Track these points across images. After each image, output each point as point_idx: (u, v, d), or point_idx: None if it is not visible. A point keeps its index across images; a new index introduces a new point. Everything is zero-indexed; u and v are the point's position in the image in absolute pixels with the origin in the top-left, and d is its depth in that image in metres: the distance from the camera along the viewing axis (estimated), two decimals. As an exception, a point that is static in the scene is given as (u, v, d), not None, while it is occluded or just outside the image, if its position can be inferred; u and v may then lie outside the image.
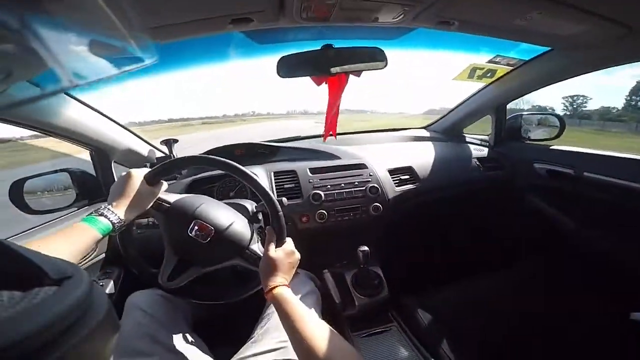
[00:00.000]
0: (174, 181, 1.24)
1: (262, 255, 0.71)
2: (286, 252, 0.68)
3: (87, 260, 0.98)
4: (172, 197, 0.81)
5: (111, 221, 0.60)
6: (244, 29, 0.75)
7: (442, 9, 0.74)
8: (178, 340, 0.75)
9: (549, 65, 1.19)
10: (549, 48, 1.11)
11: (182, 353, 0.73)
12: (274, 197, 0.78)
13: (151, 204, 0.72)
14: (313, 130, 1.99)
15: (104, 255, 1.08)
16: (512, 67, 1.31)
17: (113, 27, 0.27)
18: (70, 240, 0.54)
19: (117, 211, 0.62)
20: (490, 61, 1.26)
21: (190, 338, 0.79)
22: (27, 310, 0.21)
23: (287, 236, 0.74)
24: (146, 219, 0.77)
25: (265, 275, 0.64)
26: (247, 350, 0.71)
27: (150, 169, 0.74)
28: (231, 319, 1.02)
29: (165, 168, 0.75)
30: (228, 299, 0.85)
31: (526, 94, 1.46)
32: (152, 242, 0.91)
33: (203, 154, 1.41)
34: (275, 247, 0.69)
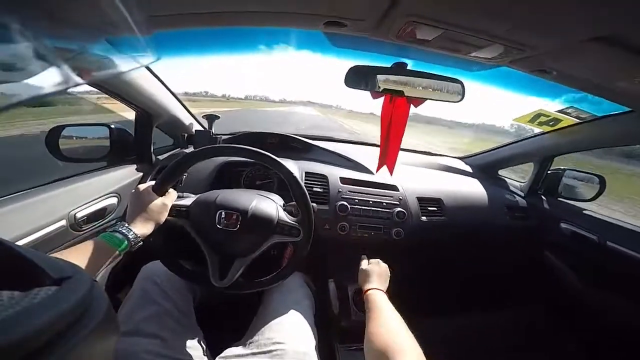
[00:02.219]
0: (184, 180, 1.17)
1: (295, 224, 0.80)
2: (374, 264, 0.87)
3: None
4: (187, 201, 0.81)
5: (127, 238, 0.61)
6: (333, 31, 0.70)
7: (549, 59, 0.68)
8: (178, 319, 0.76)
9: (624, 127, 1.11)
10: (629, 109, 1.03)
11: (178, 332, 0.74)
12: (310, 202, 0.80)
13: (166, 214, 0.72)
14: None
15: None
16: (579, 121, 1.23)
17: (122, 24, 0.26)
18: (87, 256, 0.54)
19: (133, 227, 0.64)
20: (560, 111, 1.19)
21: (189, 320, 0.80)
22: (27, 310, 0.21)
23: None
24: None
25: (363, 281, 0.82)
26: (243, 349, 0.72)
27: (155, 180, 0.73)
28: (229, 308, 1.01)
29: (169, 175, 0.74)
30: (268, 284, 0.85)
31: (584, 150, 1.39)
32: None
33: (237, 137, 1.38)
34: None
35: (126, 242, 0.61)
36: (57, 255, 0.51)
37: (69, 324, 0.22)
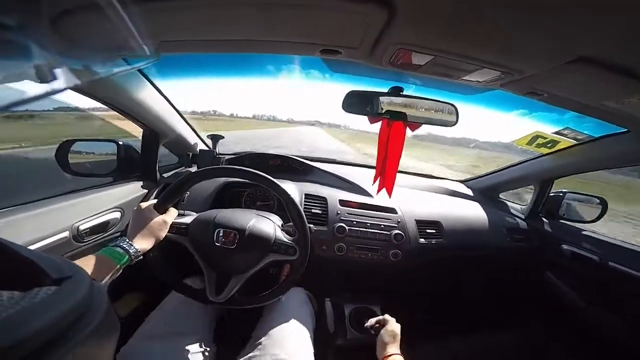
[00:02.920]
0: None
1: (291, 243, 0.82)
2: (393, 326, 0.86)
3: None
4: (187, 219, 0.83)
5: (128, 252, 0.64)
6: (329, 57, 0.74)
7: (538, 81, 0.71)
8: (198, 338, 0.78)
9: (620, 147, 1.12)
10: (625, 129, 1.04)
11: (189, 338, 0.76)
12: (306, 223, 0.82)
13: (166, 231, 0.75)
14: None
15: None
16: (576, 142, 1.24)
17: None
18: (89, 269, 0.56)
19: (134, 242, 0.66)
20: (557, 132, 1.21)
21: (208, 337, 0.82)
22: (27, 310, 0.21)
23: None
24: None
25: (382, 346, 0.81)
26: None
27: (157, 199, 0.77)
28: (237, 322, 1.01)
29: (171, 193, 0.77)
30: (265, 301, 0.86)
31: (583, 172, 1.39)
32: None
33: (240, 157, 1.42)
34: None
35: (127, 256, 0.63)
36: None
37: (69, 324, 0.22)
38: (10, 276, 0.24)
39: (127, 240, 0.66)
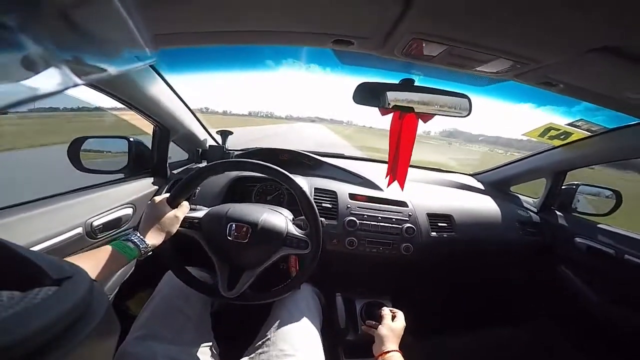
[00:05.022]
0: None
1: (304, 237, 0.81)
2: (397, 324, 0.85)
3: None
4: (199, 213, 0.83)
5: (138, 247, 0.64)
6: (341, 49, 0.73)
7: (555, 71, 0.69)
8: (196, 325, 0.79)
9: (637, 139, 1.10)
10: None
11: (194, 339, 0.76)
12: (319, 217, 0.82)
13: (177, 225, 0.75)
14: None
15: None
16: (590, 134, 1.22)
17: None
18: (99, 262, 0.56)
19: (145, 237, 0.67)
20: (570, 124, 1.18)
21: (205, 327, 0.82)
22: (27, 310, 0.21)
23: None
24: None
25: (386, 341, 0.79)
26: (255, 357, 0.74)
27: (169, 193, 0.76)
28: (242, 317, 1.02)
29: (183, 187, 0.77)
30: (277, 296, 0.86)
31: (596, 164, 1.37)
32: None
33: (251, 152, 1.42)
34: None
35: (137, 250, 0.63)
36: (70, 259, 0.53)
37: (69, 324, 0.22)
38: (11, 276, 0.24)
39: (138, 234, 0.66)
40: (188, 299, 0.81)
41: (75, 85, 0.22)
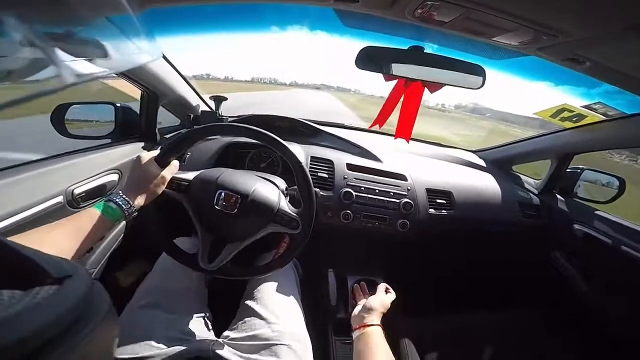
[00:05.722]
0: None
1: (295, 216, 0.77)
2: (387, 299, 0.85)
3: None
4: (189, 175, 0.78)
5: (122, 208, 0.59)
6: (345, 7, 0.64)
7: (583, 47, 0.61)
8: (193, 297, 0.80)
9: None
10: None
11: (191, 309, 0.76)
12: (312, 186, 0.78)
13: (164, 186, 0.69)
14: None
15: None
16: (606, 118, 1.15)
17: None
18: (82, 226, 0.53)
19: (128, 197, 0.61)
20: (587, 106, 1.10)
21: (201, 299, 0.83)
22: (28, 309, 0.21)
23: None
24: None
25: (366, 311, 0.78)
26: (238, 332, 0.73)
27: (159, 150, 0.70)
28: (233, 290, 1.02)
29: (174, 146, 0.71)
30: (256, 274, 0.84)
31: (607, 149, 1.31)
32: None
33: (245, 118, 1.35)
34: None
35: (120, 212, 0.59)
36: (49, 227, 0.51)
37: (70, 323, 0.23)
38: (11, 275, 0.24)
39: (122, 194, 0.61)
40: (186, 272, 0.80)
41: (75, 84, 0.23)
